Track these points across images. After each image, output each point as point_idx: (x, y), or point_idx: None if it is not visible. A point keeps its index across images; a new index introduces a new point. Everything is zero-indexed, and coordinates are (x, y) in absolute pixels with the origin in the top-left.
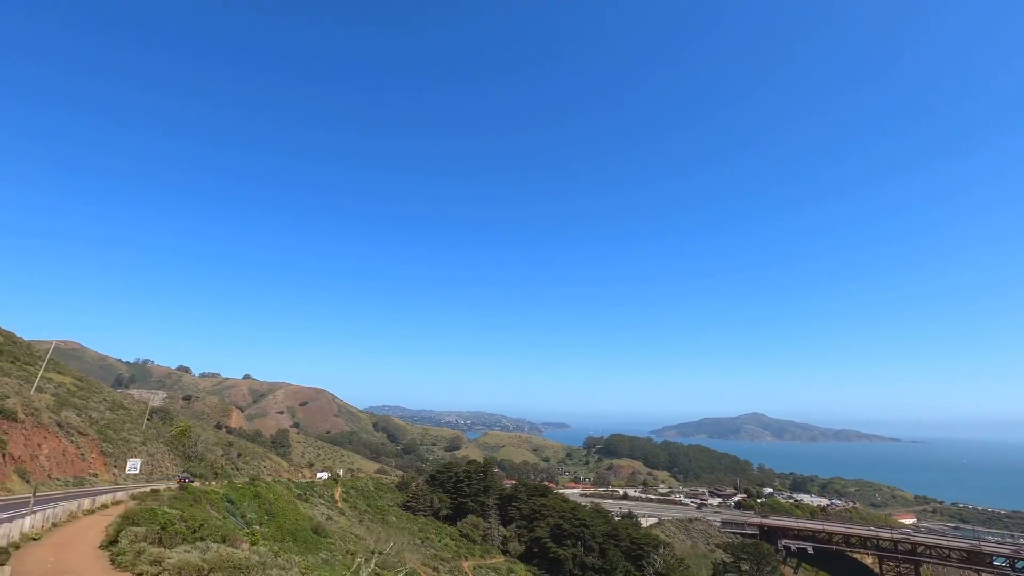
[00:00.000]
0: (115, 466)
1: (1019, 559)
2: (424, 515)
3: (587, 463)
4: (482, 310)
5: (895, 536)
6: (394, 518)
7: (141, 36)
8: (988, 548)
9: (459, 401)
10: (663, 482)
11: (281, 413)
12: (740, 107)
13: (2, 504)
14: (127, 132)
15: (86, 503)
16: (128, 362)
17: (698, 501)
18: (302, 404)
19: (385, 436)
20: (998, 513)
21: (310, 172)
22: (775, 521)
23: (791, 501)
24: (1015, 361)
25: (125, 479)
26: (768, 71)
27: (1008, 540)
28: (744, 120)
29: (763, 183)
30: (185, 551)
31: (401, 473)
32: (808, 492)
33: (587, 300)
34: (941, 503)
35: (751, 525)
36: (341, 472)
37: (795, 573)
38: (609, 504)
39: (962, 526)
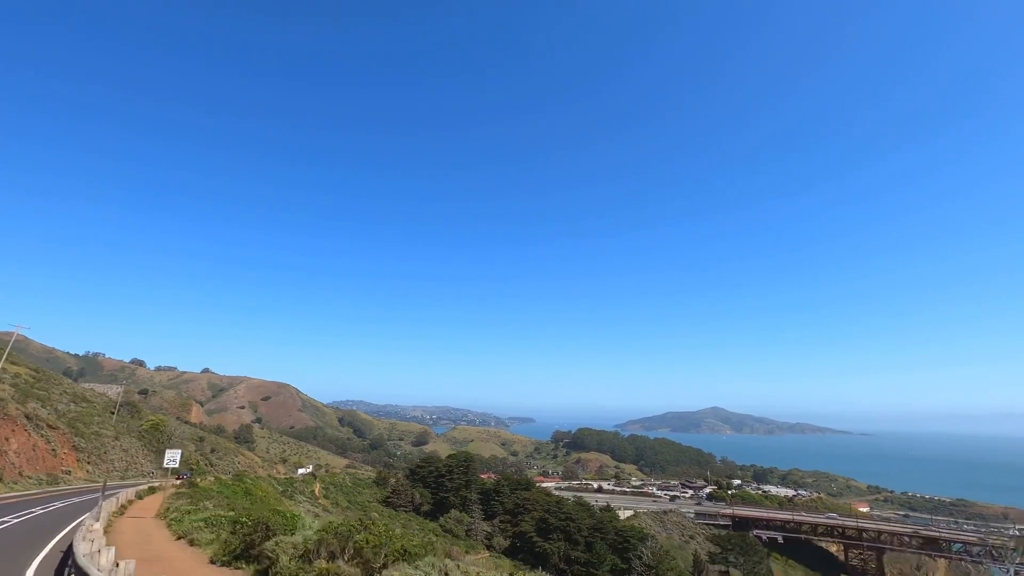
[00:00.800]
0: (88, 462)
1: (976, 545)
2: (405, 511)
3: (555, 457)
4: (445, 305)
5: (860, 525)
6: (376, 514)
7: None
8: (948, 536)
9: (424, 395)
10: (631, 475)
11: (242, 408)
12: (690, 107)
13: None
14: (72, 124)
15: (113, 503)
16: (77, 355)
17: (671, 493)
18: (264, 399)
19: (351, 431)
20: (944, 501)
21: (267, 163)
22: (747, 512)
23: (760, 492)
24: (958, 356)
25: (99, 475)
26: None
27: (953, 526)
28: (705, 117)
29: (717, 179)
30: None
31: (370, 468)
32: (769, 483)
33: (550, 295)
34: (892, 492)
35: (723, 516)
36: (311, 468)
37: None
38: (585, 497)
39: (911, 514)
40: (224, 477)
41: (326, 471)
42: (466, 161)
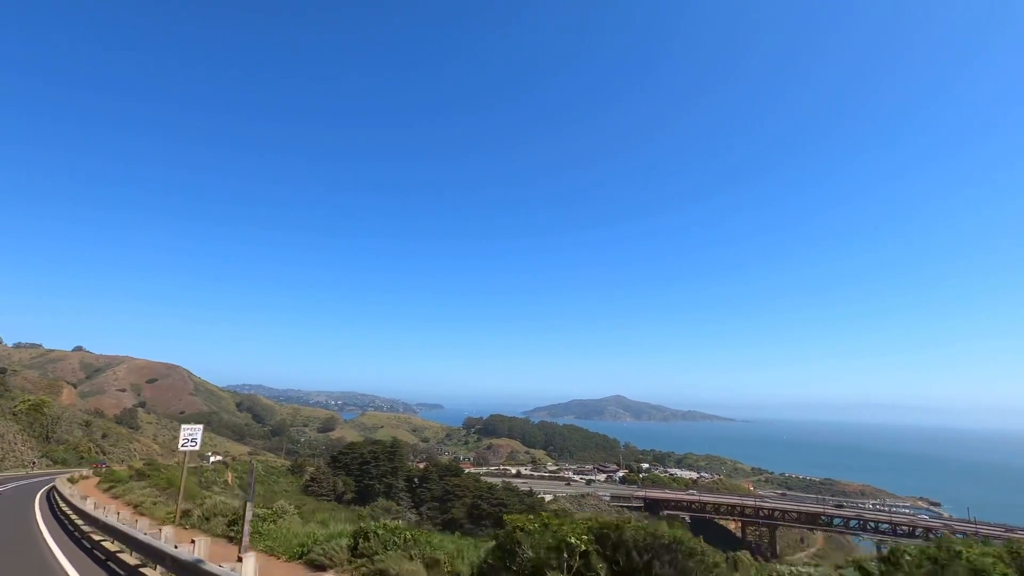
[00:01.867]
0: None
1: (852, 519)
2: (327, 499)
3: (466, 443)
4: (348, 290)
5: (758, 504)
6: (295, 504)
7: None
8: (830, 512)
9: (328, 380)
10: (541, 461)
11: (123, 391)
12: (594, 122)
13: None
14: None
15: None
16: None
17: (587, 477)
18: (150, 381)
19: (250, 416)
20: (814, 481)
21: (156, 144)
22: (657, 494)
23: (668, 475)
24: (822, 354)
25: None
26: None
27: (824, 502)
28: (612, 131)
29: (621, 187)
30: None
31: (272, 455)
32: (667, 466)
33: (456, 289)
34: (772, 473)
35: (636, 498)
36: (220, 456)
37: None
38: (496, 482)
39: (788, 492)
40: (136, 464)
41: (233, 459)
42: (369, 153)
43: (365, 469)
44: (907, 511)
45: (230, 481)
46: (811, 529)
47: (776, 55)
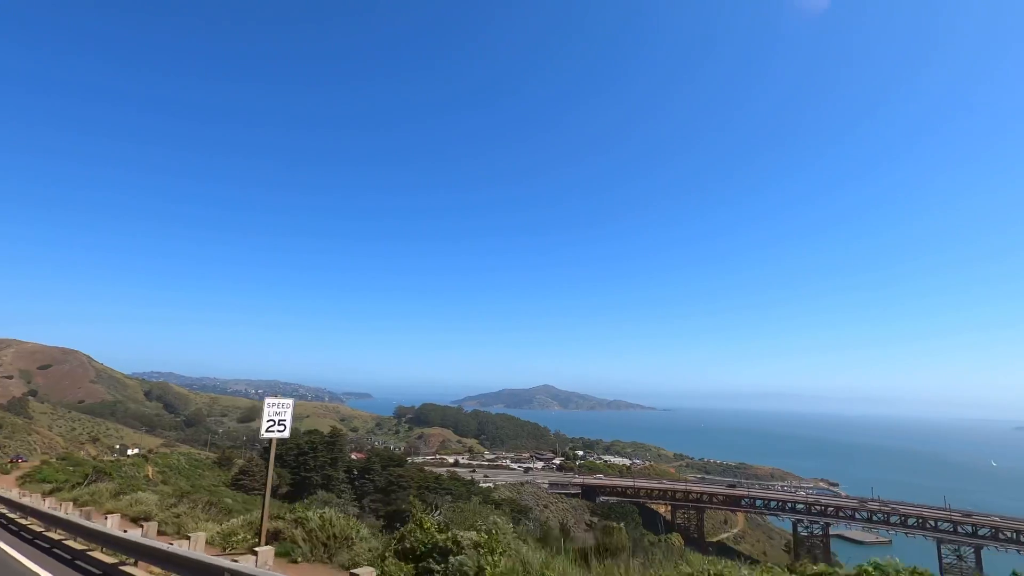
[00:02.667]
0: None
1: (771, 500)
2: (259, 493)
3: (398, 432)
4: (269, 280)
5: (688, 488)
6: (229, 500)
7: None
8: (753, 494)
9: (248, 368)
10: (473, 449)
11: (10, 378)
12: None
13: None
14: None
15: None
16: None
17: (524, 465)
18: (43, 367)
19: (161, 406)
20: (730, 465)
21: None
22: (594, 480)
23: (602, 461)
24: (732, 353)
25: None
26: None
27: (743, 485)
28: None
29: (566, 194)
30: None
31: (187, 447)
32: (597, 453)
33: (386, 281)
34: (692, 459)
35: (574, 485)
36: (119, 446)
37: None
38: (441, 472)
39: (707, 476)
40: (52, 460)
41: (151, 451)
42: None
43: (302, 460)
44: (811, 491)
45: (151, 475)
46: (733, 511)
47: (736, 58)
